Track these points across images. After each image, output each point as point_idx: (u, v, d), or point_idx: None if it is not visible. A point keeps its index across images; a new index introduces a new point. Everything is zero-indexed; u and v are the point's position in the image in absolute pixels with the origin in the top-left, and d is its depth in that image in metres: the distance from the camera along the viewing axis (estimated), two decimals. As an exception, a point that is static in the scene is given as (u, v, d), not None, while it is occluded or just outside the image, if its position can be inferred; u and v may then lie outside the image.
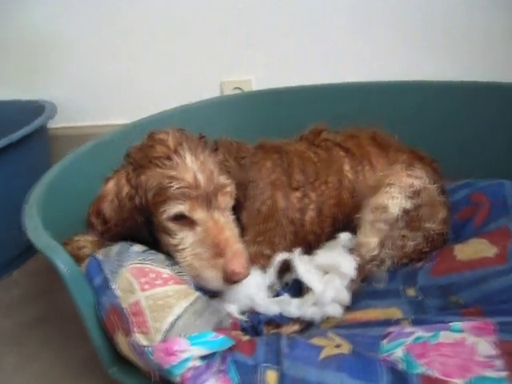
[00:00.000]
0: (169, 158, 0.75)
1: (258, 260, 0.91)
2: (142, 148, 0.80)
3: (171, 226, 0.76)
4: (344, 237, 0.93)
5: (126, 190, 0.77)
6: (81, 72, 1.64)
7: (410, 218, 0.92)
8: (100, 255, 0.76)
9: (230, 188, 0.79)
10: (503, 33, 1.35)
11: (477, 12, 1.34)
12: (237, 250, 0.75)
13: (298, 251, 0.90)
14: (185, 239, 0.76)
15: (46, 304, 1.13)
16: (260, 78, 1.54)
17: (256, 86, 1.56)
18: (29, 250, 1.35)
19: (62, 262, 0.67)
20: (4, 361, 0.96)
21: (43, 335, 1.02)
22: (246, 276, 0.75)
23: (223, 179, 0.78)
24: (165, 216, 0.74)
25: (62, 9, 1.57)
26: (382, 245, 0.92)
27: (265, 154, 0.99)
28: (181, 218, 0.75)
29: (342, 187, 1.00)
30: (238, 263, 0.73)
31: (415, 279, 0.91)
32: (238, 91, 1.56)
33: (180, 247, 0.76)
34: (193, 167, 0.74)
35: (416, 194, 0.91)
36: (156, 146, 0.77)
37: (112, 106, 1.64)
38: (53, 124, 1.52)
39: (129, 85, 1.64)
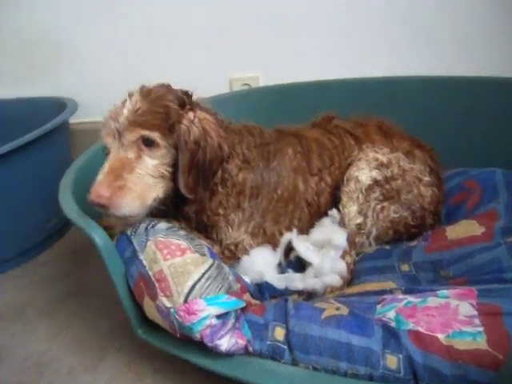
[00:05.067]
0: None
1: (276, 238, 1.02)
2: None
3: None
4: (332, 213, 1.04)
5: None
6: (97, 71, 1.75)
7: (386, 191, 1.02)
8: (129, 232, 0.85)
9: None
10: (485, 31, 1.44)
11: (460, 12, 1.44)
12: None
13: (294, 232, 1.00)
14: None
15: (73, 282, 1.23)
16: (267, 75, 1.64)
17: (263, 82, 1.65)
18: (54, 236, 1.46)
19: (98, 236, 0.77)
20: (38, 330, 1.06)
21: (72, 308, 1.12)
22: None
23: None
24: None
25: (79, 10, 1.68)
26: (362, 214, 1.02)
27: (285, 138, 1.08)
28: None
29: None
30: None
31: (410, 256, 0.99)
32: (246, 87, 1.65)
33: None
34: None
35: (382, 166, 1.02)
36: None
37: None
38: (73, 119, 1.62)
39: (142, 82, 1.72)
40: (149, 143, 0.83)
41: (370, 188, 1.01)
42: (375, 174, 1.01)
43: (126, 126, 0.82)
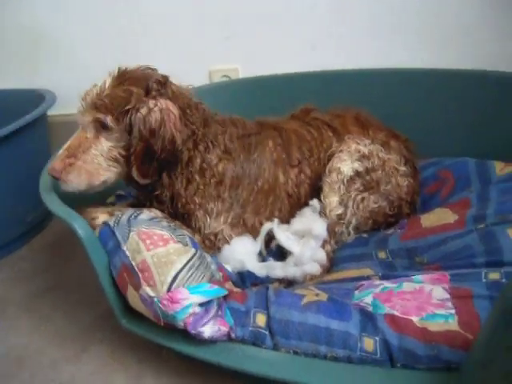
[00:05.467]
0: None
1: (256, 229, 1.03)
2: None
3: None
4: (312, 203, 1.05)
5: None
6: (78, 62, 1.71)
7: (366, 182, 1.04)
8: (111, 222, 0.86)
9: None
10: (474, 23, 1.45)
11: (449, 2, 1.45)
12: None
13: (276, 222, 1.02)
14: None
15: (52, 276, 1.22)
16: (246, 67, 1.64)
17: (243, 73, 1.65)
18: (32, 230, 1.44)
19: (80, 226, 0.77)
20: (19, 324, 1.05)
21: (51, 302, 1.11)
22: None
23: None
24: None
25: (62, 2, 1.64)
26: (343, 204, 1.04)
27: (266, 131, 1.09)
28: None
29: None
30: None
31: (386, 244, 1.02)
32: (225, 79, 1.65)
33: None
34: None
35: (364, 157, 1.04)
36: None
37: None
38: (51, 111, 1.59)
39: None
40: (104, 126, 0.88)
41: (351, 179, 1.03)
42: (357, 165, 1.03)
43: (87, 108, 0.87)
